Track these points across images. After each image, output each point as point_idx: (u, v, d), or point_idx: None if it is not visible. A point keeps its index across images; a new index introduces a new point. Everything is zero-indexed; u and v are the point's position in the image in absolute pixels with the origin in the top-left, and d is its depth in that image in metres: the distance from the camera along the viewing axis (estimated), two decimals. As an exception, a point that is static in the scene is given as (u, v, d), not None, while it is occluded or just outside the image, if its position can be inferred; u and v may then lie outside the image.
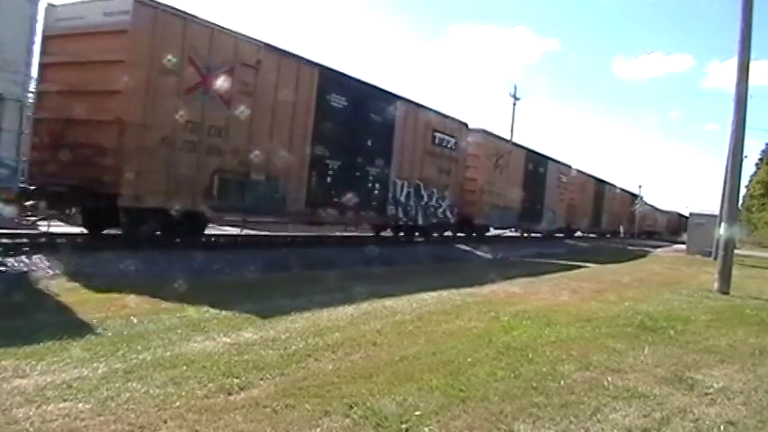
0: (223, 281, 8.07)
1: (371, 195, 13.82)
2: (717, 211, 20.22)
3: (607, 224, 36.82)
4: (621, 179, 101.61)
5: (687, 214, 38.92)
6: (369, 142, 13.49)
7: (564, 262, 15.75)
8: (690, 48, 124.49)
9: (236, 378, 3.73)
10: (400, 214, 15.01)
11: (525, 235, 26.04)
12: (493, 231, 22.00)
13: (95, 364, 3.76)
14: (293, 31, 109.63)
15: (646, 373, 4.59)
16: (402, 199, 14.92)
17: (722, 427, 3.56)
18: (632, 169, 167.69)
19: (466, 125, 17.63)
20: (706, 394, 4.19)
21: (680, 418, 3.65)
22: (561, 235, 29.13)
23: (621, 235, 41.72)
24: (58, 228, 10.25)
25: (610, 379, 4.33)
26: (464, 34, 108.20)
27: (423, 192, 15.72)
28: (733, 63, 11.22)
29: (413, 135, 15.02)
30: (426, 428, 3.18)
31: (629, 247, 28.72)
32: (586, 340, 5.65)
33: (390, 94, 14.31)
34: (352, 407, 3.37)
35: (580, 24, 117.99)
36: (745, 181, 53.69)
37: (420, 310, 6.61)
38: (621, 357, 5.04)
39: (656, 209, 58.08)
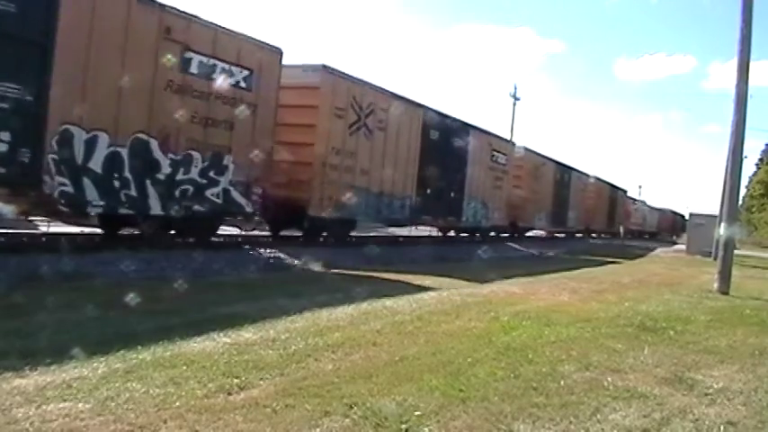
0: (223, 281, 8.07)
1: None
2: (716, 212, 20.26)
3: (576, 221, 29.49)
4: (622, 180, 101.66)
5: (684, 213, 37.93)
6: None
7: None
8: (692, 48, 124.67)
9: (236, 378, 3.73)
10: (90, 196, 8.01)
11: (452, 234, 19.71)
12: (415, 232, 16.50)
13: (95, 364, 3.76)
14: (294, 23, 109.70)
15: (646, 374, 4.59)
16: (95, 166, 7.99)
17: (722, 428, 3.56)
18: (633, 170, 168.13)
19: (278, 51, 10.50)
20: (706, 394, 4.19)
21: (680, 419, 3.66)
22: (506, 235, 22.30)
23: (620, 235, 40.05)
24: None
25: (610, 379, 4.33)
26: (468, 34, 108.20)
27: (158, 155, 8.79)
28: (734, 64, 11.25)
29: (121, 48, 8.08)
30: (426, 428, 3.18)
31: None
32: (586, 340, 5.65)
33: None
34: (351, 407, 3.37)
35: (583, 26, 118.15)
36: (744, 181, 53.78)
37: (420, 310, 6.60)
38: (621, 358, 5.04)
39: (645, 205, 51.71)
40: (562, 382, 4.17)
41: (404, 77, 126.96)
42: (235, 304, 6.11)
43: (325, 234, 12.95)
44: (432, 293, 7.69)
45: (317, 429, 3.06)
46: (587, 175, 31.29)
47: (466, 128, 17.59)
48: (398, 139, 14.14)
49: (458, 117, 17.28)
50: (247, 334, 4.83)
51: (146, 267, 7.92)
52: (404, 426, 3.18)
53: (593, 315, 7.09)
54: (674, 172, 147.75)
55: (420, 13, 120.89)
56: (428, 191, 15.48)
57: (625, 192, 41.10)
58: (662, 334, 6.22)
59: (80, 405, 3.11)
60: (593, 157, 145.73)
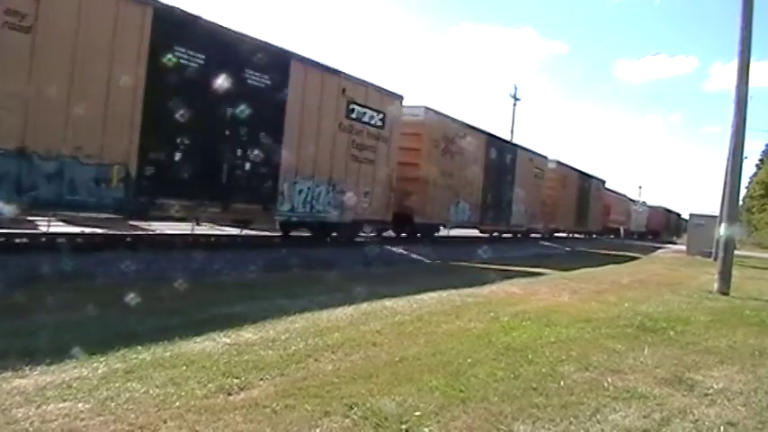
0: (223, 281, 8.06)
1: None
2: (717, 213, 20.25)
3: (527, 217, 22.34)
4: (623, 180, 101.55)
5: (683, 213, 36.24)
6: None
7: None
8: (695, 49, 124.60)
9: (236, 378, 3.73)
10: None
11: (290, 239, 12.74)
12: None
13: (95, 364, 3.76)
14: (297, 22, 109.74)
15: (646, 374, 4.59)
16: None
17: (722, 428, 3.56)
18: (634, 170, 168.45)
19: None
20: (706, 395, 4.19)
21: (680, 419, 3.66)
22: (393, 235, 15.38)
23: (621, 235, 38.94)
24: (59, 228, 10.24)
25: (610, 380, 4.34)
26: (470, 35, 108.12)
27: None
28: (735, 64, 11.24)
29: None
30: (426, 429, 3.18)
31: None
32: (586, 341, 5.65)
33: None
34: (351, 407, 3.37)
35: (585, 27, 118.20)
36: (745, 182, 53.69)
37: (420, 310, 6.60)
38: (621, 358, 5.04)
39: (630, 200, 46.03)
40: (562, 383, 4.17)
41: (405, 77, 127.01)
42: (234, 304, 6.06)
43: None
44: (432, 294, 7.66)
45: (317, 430, 3.06)
46: (545, 158, 24.00)
47: (281, 55, 10.15)
48: (81, 55, 7.35)
49: (254, 35, 9.63)
50: (247, 334, 4.81)
51: (146, 267, 7.89)
52: (404, 426, 3.18)
53: (594, 315, 7.09)
54: (675, 173, 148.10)
55: (423, 13, 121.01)
56: (176, 156, 8.72)
57: (603, 182, 33.85)
58: (662, 334, 6.22)
59: (80, 405, 3.12)
60: (594, 158, 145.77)
